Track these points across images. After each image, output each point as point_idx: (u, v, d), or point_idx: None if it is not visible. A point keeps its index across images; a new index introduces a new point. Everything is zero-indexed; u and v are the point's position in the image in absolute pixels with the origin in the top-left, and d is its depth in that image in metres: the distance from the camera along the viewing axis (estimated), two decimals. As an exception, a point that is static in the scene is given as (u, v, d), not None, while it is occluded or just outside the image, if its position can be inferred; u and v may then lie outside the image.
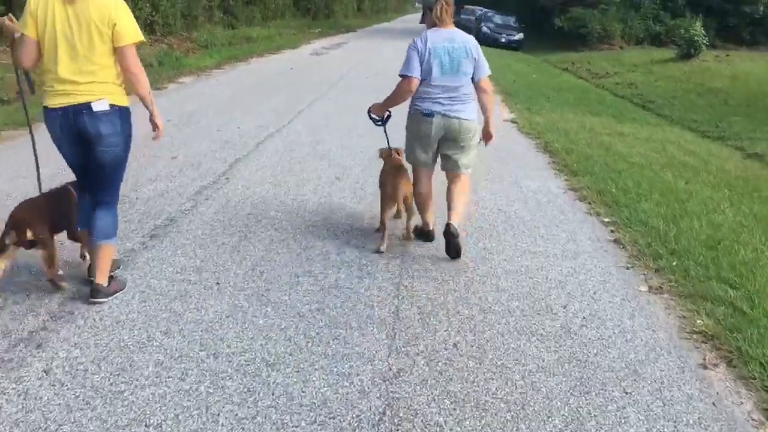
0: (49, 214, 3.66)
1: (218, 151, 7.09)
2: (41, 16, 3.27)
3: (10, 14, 3.53)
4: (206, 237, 4.63)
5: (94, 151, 3.47)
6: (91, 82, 3.35)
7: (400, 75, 4.43)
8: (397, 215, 4.99)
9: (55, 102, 3.37)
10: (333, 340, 3.38)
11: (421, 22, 4.72)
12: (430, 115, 4.39)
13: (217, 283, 3.93)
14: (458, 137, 4.49)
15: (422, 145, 4.53)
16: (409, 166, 4.78)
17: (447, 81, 4.35)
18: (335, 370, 3.11)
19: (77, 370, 2.99)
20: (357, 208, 5.49)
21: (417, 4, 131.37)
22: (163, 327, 3.39)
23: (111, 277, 3.67)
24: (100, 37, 3.31)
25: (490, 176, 6.69)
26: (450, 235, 4.39)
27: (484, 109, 4.65)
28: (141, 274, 3.98)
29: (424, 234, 4.75)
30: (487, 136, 4.75)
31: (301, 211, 5.32)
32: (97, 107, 3.36)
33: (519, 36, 28.80)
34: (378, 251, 4.54)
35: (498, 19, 30.83)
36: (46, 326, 3.34)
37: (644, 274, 4.49)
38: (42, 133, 3.62)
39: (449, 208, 4.53)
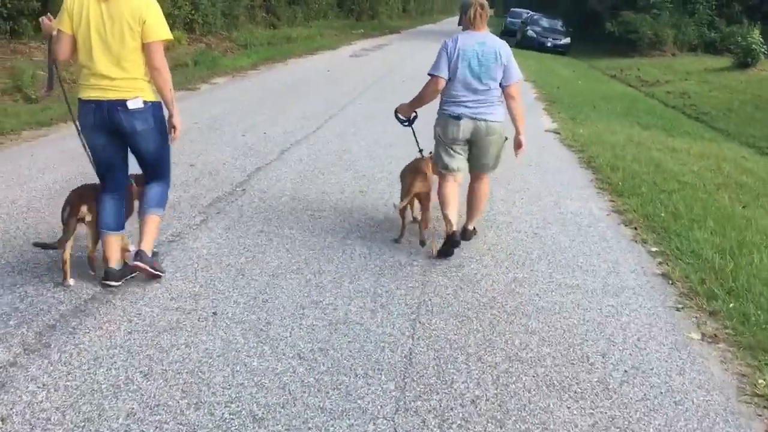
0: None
1: (239, 159, 6.74)
2: (77, 14, 3.39)
3: (48, 14, 3.57)
4: (211, 257, 4.26)
5: (132, 145, 3.66)
6: (124, 78, 3.47)
7: (428, 74, 4.49)
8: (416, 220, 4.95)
9: (90, 95, 3.49)
10: (333, 389, 2.96)
11: (459, 24, 4.65)
12: (458, 117, 4.43)
13: (214, 314, 3.55)
14: (485, 139, 4.52)
15: (451, 150, 4.57)
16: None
17: (474, 84, 4.37)
18: (331, 430, 2.69)
19: (38, 419, 2.63)
20: (379, 227, 5.06)
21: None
22: (144, 367, 3.02)
23: (155, 254, 3.87)
24: (131, 33, 3.41)
25: (527, 194, 6.20)
26: (465, 238, 4.75)
27: (513, 117, 4.62)
28: (132, 300, 3.63)
29: (449, 241, 4.51)
30: (518, 145, 4.69)
31: (317, 229, 4.92)
32: (132, 105, 3.49)
33: (566, 40, 28.01)
34: (396, 240, 4.74)
35: (545, 22, 30.06)
36: (17, 361, 3.00)
37: (696, 318, 3.96)
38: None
39: (469, 211, 4.81)
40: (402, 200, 4.71)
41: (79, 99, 3.55)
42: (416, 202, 4.83)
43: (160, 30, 3.49)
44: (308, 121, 8.96)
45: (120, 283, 3.71)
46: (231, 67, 14.79)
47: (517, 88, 4.55)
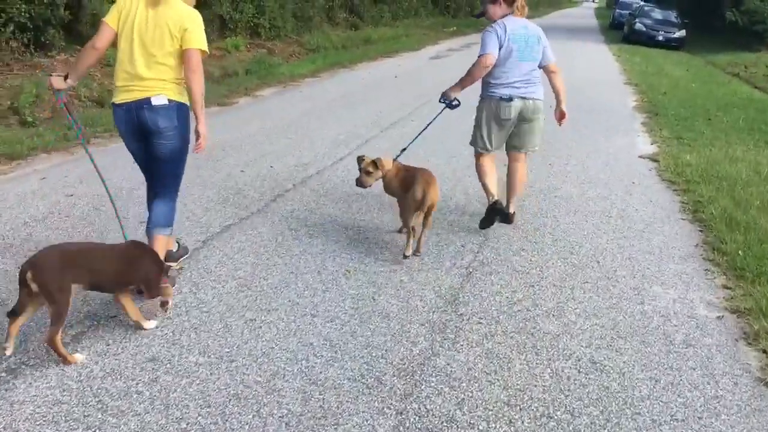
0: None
1: (214, 209, 5.15)
2: (125, 13, 3.54)
3: (54, 74, 3.70)
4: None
5: (152, 144, 3.66)
6: (155, 78, 3.56)
7: (479, 55, 4.68)
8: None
9: (121, 98, 3.60)
10: None
11: (479, 15, 5.04)
12: (510, 99, 4.70)
13: None
14: (532, 117, 4.81)
15: (496, 131, 4.88)
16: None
17: (524, 66, 4.71)
18: None
19: None
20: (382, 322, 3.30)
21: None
22: None
23: (178, 245, 4.11)
24: (171, 39, 3.53)
25: (595, 273, 4.23)
26: (504, 214, 4.96)
27: (557, 90, 4.94)
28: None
29: (492, 209, 4.85)
30: (560, 115, 5.01)
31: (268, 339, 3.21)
32: (156, 101, 3.56)
33: (680, 33, 24.80)
34: (404, 256, 4.34)
35: (656, 13, 26.86)
36: None
37: None
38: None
39: (509, 193, 5.08)
40: (418, 211, 4.32)
41: (113, 103, 3.68)
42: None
43: (199, 41, 3.58)
44: (336, 147, 7.33)
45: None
46: (288, 75, 13.38)
47: (556, 64, 4.90)
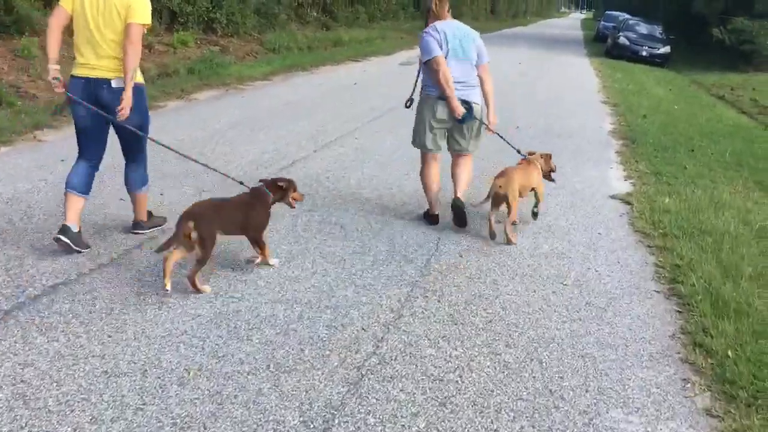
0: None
1: (53, 259, 3.93)
2: None
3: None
4: None
5: (114, 121, 4.00)
6: (111, 57, 3.89)
7: (423, 62, 4.84)
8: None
9: (80, 72, 3.94)
10: None
11: (426, 24, 4.96)
12: (444, 98, 4.76)
13: None
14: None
15: (435, 130, 4.94)
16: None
17: (461, 66, 4.80)
18: None
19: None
20: None
21: (562, 9, 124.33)
22: None
23: (149, 213, 4.49)
24: (119, 17, 3.84)
25: (544, 365, 3.10)
26: (457, 207, 4.95)
27: (486, 94, 4.98)
28: None
29: (432, 218, 5.08)
30: (492, 121, 5.07)
31: None
32: (115, 84, 3.90)
33: (664, 49, 23.87)
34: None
35: (641, 27, 25.94)
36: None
37: None
38: None
39: (455, 184, 5.06)
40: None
41: (71, 75, 3.96)
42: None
43: (141, 14, 3.87)
44: (251, 171, 6.08)
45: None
46: (238, 77, 12.15)
47: (488, 67, 4.95)
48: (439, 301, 3.85)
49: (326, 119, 8.83)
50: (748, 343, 3.50)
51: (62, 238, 3.87)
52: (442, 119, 4.87)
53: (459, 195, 4.99)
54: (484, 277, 4.24)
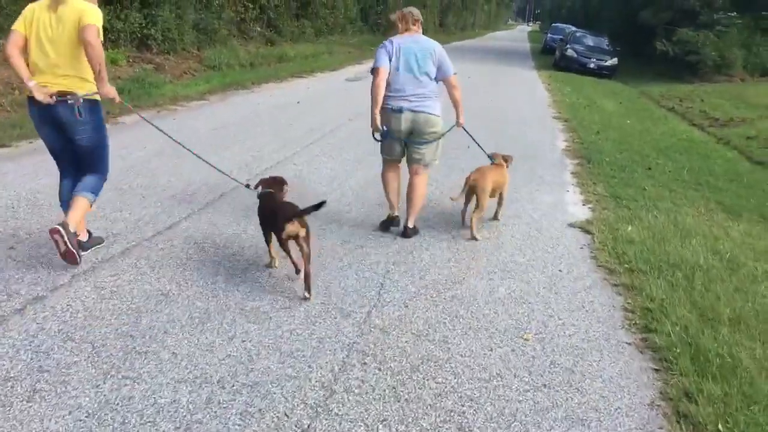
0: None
1: None
2: (29, 18, 3.93)
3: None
4: None
5: (70, 137, 4.06)
6: (67, 75, 3.93)
7: (370, 72, 4.98)
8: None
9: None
10: None
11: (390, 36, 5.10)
12: (400, 111, 4.90)
13: None
14: (423, 130, 4.96)
15: (392, 139, 5.04)
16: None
17: (414, 78, 4.86)
18: None
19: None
20: None
21: (509, 21, 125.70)
22: None
23: (90, 234, 4.40)
24: (74, 28, 3.86)
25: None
26: (406, 236, 5.10)
27: (454, 103, 5.18)
28: None
29: (388, 220, 5.23)
30: (461, 122, 5.30)
31: None
32: (71, 100, 3.93)
33: (612, 61, 23.92)
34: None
35: (588, 40, 26.02)
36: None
37: None
38: None
39: (408, 207, 5.14)
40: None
41: (28, 96, 3.95)
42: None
43: (94, 18, 3.87)
44: (168, 210, 5.39)
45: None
46: (170, 97, 11.39)
47: (456, 78, 5.06)
48: (379, 369, 3.25)
49: (263, 143, 8.18)
50: (739, 410, 3.00)
51: (60, 228, 3.91)
52: (399, 130, 4.97)
53: (410, 223, 5.15)
54: (432, 333, 3.66)
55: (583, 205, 6.47)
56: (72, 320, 3.46)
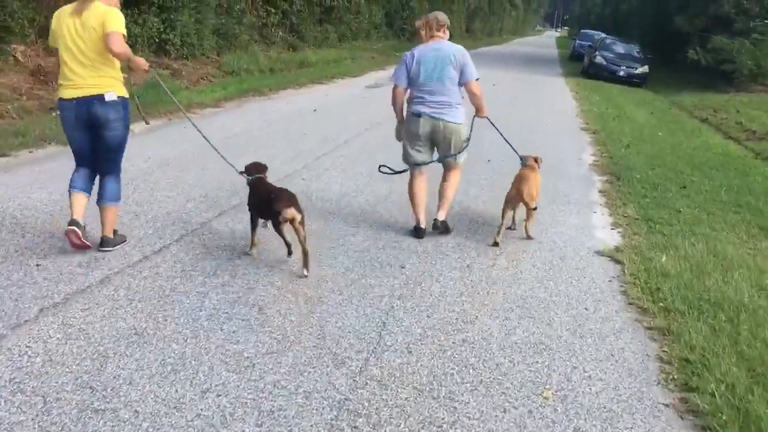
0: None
1: None
2: (58, 29, 4.15)
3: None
4: None
5: (101, 134, 4.27)
6: (97, 76, 4.15)
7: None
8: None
9: (68, 94, 4.19)
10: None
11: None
12: (419, 115, 5.06)
13: None
14: (444, 137, 5.10)
15: (414, 145, 5.19)
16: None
17: (432, 85, 5.00)
18: None
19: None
20: None
21: (537, 27, 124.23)
22: None
23: (115, 231, 4.52)
24: (98, 35, 4.06)
25: None
26: (436, 229, 5.19)
27: (476, 108, 5.25)
28: None
29: (416, 231, 5.20)
30: (480, 116, 5.30)
31: None
32: (108, 97, 4.17)
33: (642, 69, 23.21)
34: (495, 243, 5.09)
35: (618, 47, 25.33)
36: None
37: None
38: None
39: (439, 201, 5.26)
40: (509, 208, 5.24)
41: (59, 98, 4.23)
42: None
43: (116, 25, 4.06)
44: (151, 236, 4.99)
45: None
46: (185, 104, 11.03)
47: (477, 84, 5.07)
48: (369, 434, 2.79)
49: (273, 154, 7.77)
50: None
51: (74, 228, 4.19)
52: (417, 134, 5.13)
53: (441, 216, 5.23)
54: (437, 387, 3.19)
55: (612, 229, 5.95)
56: (28, 366, 3.06)
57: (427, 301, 4.13)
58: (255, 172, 4.68)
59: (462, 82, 5.03)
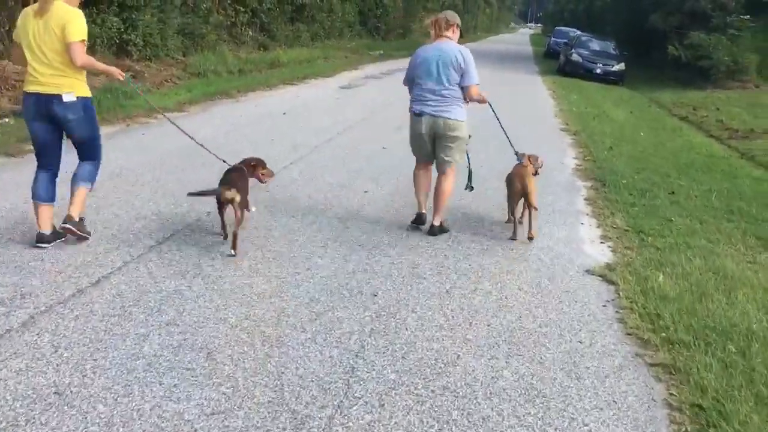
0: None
1: None
2: (22, 27, 4.23)
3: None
4: None
5: (66, 131, 4.38)
6: (57, 75, 4.22)
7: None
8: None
9: (30, 88, 4.27)
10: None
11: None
12: (420, 114, 5.18)
13: None
14: (445, 134, 5.14)
15: (418, 142, 5.32)
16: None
17: (433, 85, 5.08)
18: None
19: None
20: None
21: (511, 25, 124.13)
22: None
23: (81, 220, 4.57)
24: (59, 38, 4.14)
25: None
26: (433, 234, 5.22)
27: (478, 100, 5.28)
28: None
29: (417, 217, 5.37)
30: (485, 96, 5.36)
31: None
32: (66, 98, 4.23)
33: (619, 66, 22.95)
34: (513, 238, 5.25)
35: (594, 44, 25.06)
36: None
37: None
38: None
39: (434, 205, 5.29)
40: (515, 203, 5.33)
41: (24, 91, 4.33)
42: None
43: (76, 33, 4.15)
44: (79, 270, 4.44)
45: (50, 245, 4.36)
46: (146, 108, 10.42)
47: (476, 89, 5.15)
48: None
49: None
50: None
51: (40, 244, 4.33)
52: (420, 133, 5.23)
53: (436, 222, 5.27)
54: (413, 449, 2.69)
55: (602, 242, 5.51)
56: None
57: (403, 337, 3.64)
58: (243, 164, 5.01)
59: (462, 86, 5.08)
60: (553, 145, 9.85)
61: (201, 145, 5.31)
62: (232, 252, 4.46)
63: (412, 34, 39.70)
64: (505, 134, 5.76)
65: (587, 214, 6.28)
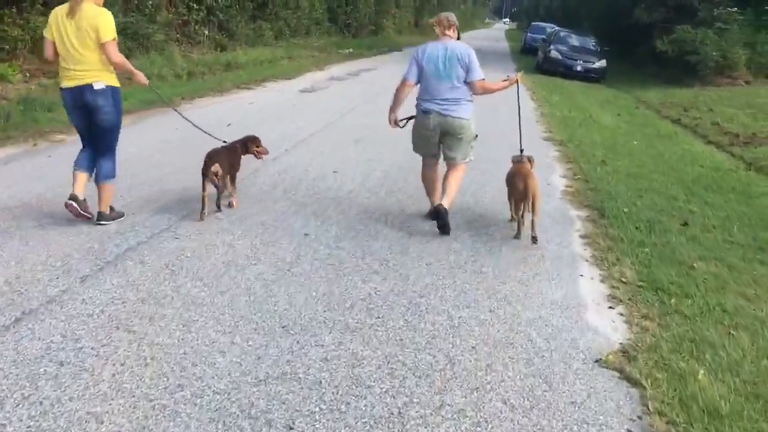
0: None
1: None
2: (55, 26, 4.62)
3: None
4: None
5: (95, 118, 4.77)
6: (89, 69, 4.64)
7: (402, 78, 5.32)
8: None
9: (67, 84, 4.70)
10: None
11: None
12: (428, 112, 5.23)
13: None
14: (451, 132, 5.24)
15: (424, 139, 5.38)
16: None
17: (440, 83, 5.14)
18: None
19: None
20: None
21: (486, 20, 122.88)
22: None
23: (111, 208, 4.99)
24: (90, 37, 4.57)
25: None
26: (438, 213, 5.16)
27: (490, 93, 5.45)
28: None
29: (432, 212, 5.37)
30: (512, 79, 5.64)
31: None
32: (96, 86, 4.66)
33: (600, 63, 21.78)
34: (517, 237, 5.15)
35: (574, 40, 23.87)
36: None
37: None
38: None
39: (443, 192, 5.30)
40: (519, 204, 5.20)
41: (60, 88, 4.76)
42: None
43: (107, 33, 4.59)
44: None
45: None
46: (65, 123, 8.92)
47: (483, 83, 5.21)
48: None
49: (163, 187, 5.83)
50: None
51: (72, 203, 4.74)
52: (427, 131, 5.28)
53: (444, 202, 5.18)
54: None
55: (610, 306, 4.19)
56: None
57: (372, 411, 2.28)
58: (239, 141, 5.78)
59: (468, 81, 5.15)
60: (538, 160, 8.50)
61: (199, 128, 5.90)
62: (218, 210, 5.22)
63: (384, 31, 38.36)
64: (519, 128, 6.04)
65: (587, 260, 4.96)
